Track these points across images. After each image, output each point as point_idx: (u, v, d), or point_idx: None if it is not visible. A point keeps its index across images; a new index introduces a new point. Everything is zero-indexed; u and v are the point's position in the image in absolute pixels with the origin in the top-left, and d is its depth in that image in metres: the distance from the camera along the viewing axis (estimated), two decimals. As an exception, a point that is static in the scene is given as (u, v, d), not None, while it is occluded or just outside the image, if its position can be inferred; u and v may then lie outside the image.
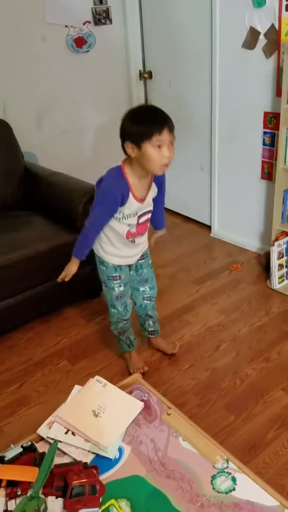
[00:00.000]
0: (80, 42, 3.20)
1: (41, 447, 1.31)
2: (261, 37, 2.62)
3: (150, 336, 2.31)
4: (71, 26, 3.13)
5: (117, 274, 1.99)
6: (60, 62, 3.16)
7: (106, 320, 2.63)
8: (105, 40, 3.30)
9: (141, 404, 1.43)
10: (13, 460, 1.20)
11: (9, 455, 1.23)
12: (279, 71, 2.59)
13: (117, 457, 1.30)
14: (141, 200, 1.81)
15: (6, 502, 1.11)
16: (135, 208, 1.81)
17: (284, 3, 2.44)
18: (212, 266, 3.04)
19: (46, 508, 1.04)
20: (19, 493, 1.12)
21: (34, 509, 0.97)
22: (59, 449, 1.30)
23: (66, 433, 1.35)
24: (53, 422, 1.37)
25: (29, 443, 1.27)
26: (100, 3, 3.22)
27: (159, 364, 2.24)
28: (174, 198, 3.78)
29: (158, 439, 1.36)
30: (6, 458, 1.22)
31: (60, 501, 1.10)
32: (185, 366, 2.21)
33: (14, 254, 2.34)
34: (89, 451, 1.30)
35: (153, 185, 1.86)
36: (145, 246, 2.05)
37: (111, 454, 1.30)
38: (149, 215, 1.91)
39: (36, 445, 1.28)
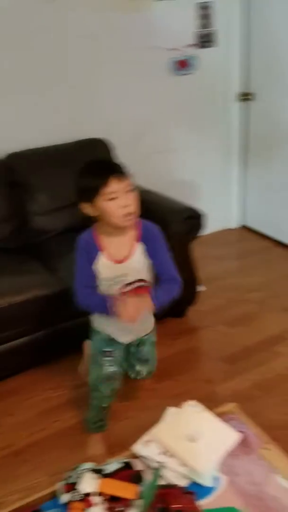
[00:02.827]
0: (182, 64, 3.27)
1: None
2: None
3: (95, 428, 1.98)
4: (175, 49, 3.21)
5: (110, 350, 1.76)
6: (161, 84, 3.24)
7: (191, 341, 2.62)
8: (207, 62, 3.34)
9: (238, 435, 1.39)
10: (113, 474, 1.22)
11: (108, 468, 1.25)
12: None
13: (212, 485, 1.28)
14: (120, 261, 1.63)
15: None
16: (113, 269, 1.62)
17: None
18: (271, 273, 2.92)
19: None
20: (118, 509, 1.13)
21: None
22: (152, 469, 1.31)
23: (160, 454, 1.36)
24: (149, 441, 1.38)
25: (127, 459, 1.29)
26: (204, 28, 3.28)
27: (250, 395, 2.18)
28: (265, 221, 3.72)
29: (256, 473, 1.32)
30: (104, 472, 1.24)
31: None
32: (277, 399, 2.13)
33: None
34: (184, 476, 1.29)
35: (138, 245, 1.64)
36: (148, 324, 1.84)
37: (207, 481, 1.28)
38: (140, 284, 1.65)
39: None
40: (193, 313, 2.77)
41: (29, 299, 2.27)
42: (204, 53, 3.32)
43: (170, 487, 1.19)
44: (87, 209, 1.58)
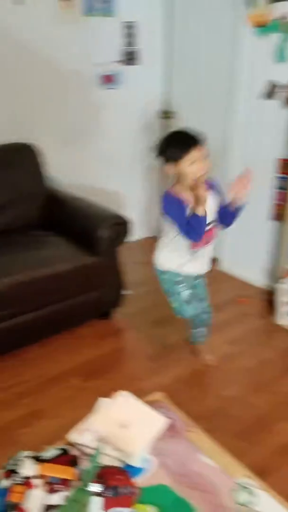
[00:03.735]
0: (108, 79, 3.41)
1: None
2: (281, 89, 2.83)
3: (197, 341, 2.51)
4: (101, 64, 3.35)
5: (180, 279, 2.19)
6: (88, 95, 3.36)
7: (119, 341, 2.74)
8: (131, 79, 3.51)
9: (165, 420, 1.52)
10: (51, 460, 1.29)
11: (46, 455, 1.32)
12: (296, 122, 2.79)
13: (143, 467, 1.39)
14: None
15: (46, 496, 1.19)
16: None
17: (305, 61, 2.67)
18: (219, 298, 3.15)
19: (89, 502, 1.13)
20: (57, 488, 1.20)
21: (85, 499, 1.06)
22: (87, 455, 1.39)
23: (94, 441, 1.44)
24: (84, 430, 1.46)
25: (64, 446, 1.36)
26: (128, 46, 3.45)
27: (172, 389, 2.32)
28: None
29: (182, 454, 1.45)
30: (42, 457, 1.31)
31: (97, 498, 1.18)
32: (195, 392, 2.30)
33: (35, 272, 2.45)
34: (118, 459, 1.39)
35: (211, 193, 2.06)
36: (209, 264, 2.26)
37: (138, 462, 1.39)
38: (212, 228, 2.10)
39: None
40: (120, 315, 2.89)
41: None
42: (128, 70, 3.49)
43: (107, 467, 1.28)
44: (171, 169, 1.98)
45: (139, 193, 3.96)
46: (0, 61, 2.92)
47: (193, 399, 2.25)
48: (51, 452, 1.34)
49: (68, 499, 1.13)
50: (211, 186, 2.09)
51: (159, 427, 1.50)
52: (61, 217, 2.90)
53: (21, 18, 2.88)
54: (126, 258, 2.87)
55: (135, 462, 1.38)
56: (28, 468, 1.23)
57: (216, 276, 3.46)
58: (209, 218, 2.03)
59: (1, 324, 2.40)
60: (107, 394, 1.60)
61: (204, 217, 1.96)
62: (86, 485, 1.15)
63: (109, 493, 1.19)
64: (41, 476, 1.22)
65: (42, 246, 2.69)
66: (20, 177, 2.91)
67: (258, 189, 3.10)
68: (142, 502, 1.26)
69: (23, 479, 1.20)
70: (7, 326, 2.42)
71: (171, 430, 1.52)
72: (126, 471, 1.28)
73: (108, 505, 1.17)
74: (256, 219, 3.19)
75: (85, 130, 3.44)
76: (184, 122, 3.66)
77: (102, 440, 1.42)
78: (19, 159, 2.95)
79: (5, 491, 1.21)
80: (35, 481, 1.20)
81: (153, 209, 4.05)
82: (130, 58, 3.48)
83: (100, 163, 3.59)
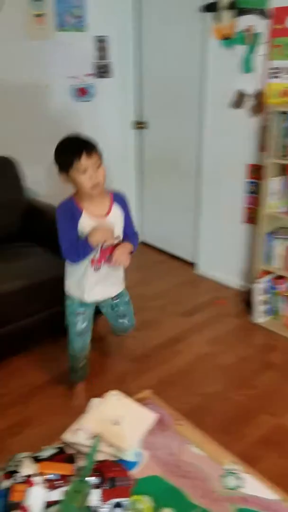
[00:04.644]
0: (82, 92, 3.50)
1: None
2: (248, 98, 2.97)
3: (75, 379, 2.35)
4: (75, 77, 3.43)
5: (82, 310, 2.11)
6: (63, 108, 3.44)
7: (103, 346, 2.80)
8: (104, 91, 3.62)
9: (155, 415, 1.60)
10: (49, 458, 1.35)
11: (44, 454, 1.38)
12: (263, 129, 2.93)
13: (136, 460, 1.47)
14: (100, 217, 1.92)
15: (47, 493, 1.25)
16: (95, 224, 1.89)
17: (269, 71, 2.81)
18: (197, 300, 3.27)
19: (89, 492, 1.20)
20: (57, 484, 1.26)
21: (85, 490, 1.13)
22: (82, 453, 1.46)
23: (88, 439, 1.51)
24: (77, 430, 1.53)
25: (60, 445, 1.43)
26: (101, 59, 3.55)
27: (158, 389, 2.40)
28: (160, 237, 4.06)
29: (172, 446, 1.53)
30: (40, 457, 1.37)
31: (95, 490, 1.25)
32: (179, 391, 2.39)
33: (15, 282, 2.49)
34: (111, 455, 1.46)
35: (115, 204, 1.98)
36: (118, 286, 2.16)
37: (132, 457, 1.46)
38: (116, 242, 1.96)
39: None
40: (102, 321, 2.94)
41: None
42: (101, 82, 3.59)
43: (103, 461, 1.35)
44: (64, 179, 1.88)
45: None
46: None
47: (177, 397, 2.33)
48: (48, 451, 1.39)
49: (69, 490, 1.19)
50: (116, 198, 2.00)
51: (149, 422, 1.57)
52: (41, 228, 2.95)
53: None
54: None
55: (129, 457, 1.46)
56: (27, 467, 1.29)
57: (192, 279, 3.58)
58: (114, 234, 1.93)
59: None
60: (94, 397, 1.65)
61: (93, 248, 1.88)
62: (84, 478, 1.22)
63: (107, 485, 1.26)
64: (41, 474, 1.28)
65: (24, 256, 2.74)
66: (-1, 188, 2.96)
67: (230, 193, 3.26)
68: (137, 493, 1.34)
69: (23, 478, 1.26)
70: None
71: (160, 424, 1.60)
72: (122, 464, 1.35)
73: (106, 496, 1.23)
74: (229, 223, 3.33)
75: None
76: (156, 131, 3.79)
77: (96, 436, 1.49)
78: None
79: (6, 492, 1.26)
80: (35, 479, 1.26)
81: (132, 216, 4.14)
82: (102, 71, 3.58)
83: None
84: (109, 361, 2.65)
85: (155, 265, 3.85)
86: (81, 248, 1.89)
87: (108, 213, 1.96)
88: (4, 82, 3.09)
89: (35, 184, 3.30)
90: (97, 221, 1.91)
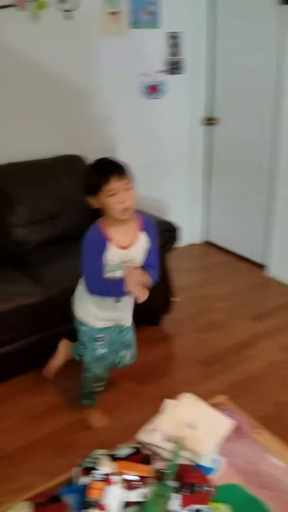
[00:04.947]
0: (153, 89, 3.48)
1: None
2: None
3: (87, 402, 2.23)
4: (146, 74, 3.42)
5: (101, 335, 1.98)
6: (133, 105, 3.43)
7: (168, 347, 2.76)
8: (175, 88, 3.57)
9: (232, 421, 1.54)
10: (126, 458, 1.32)
11: (120, 453, 1.35)
12: None
13: (213, 467, 1.41)
14: (125, 247, 1.81)
15: (125, 493, 1.23)
16: (120, 255, 1.80)
17: None
18: (268, 304, 3.15)
19: (170, 497, 1.16)
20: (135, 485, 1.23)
21: (167, 494, 1.09)
22: (157, 454, 1.42)
23: (163, 441, 1.47)
24: (152, 430, 1.49)
25: (137, 445, 1.40)
26: (173, 55, 3.51)
27: (226, 395, 2.32)
28: (226, 236, 3.96)
29: (250, 454, 1.46)
30: (117, 456, 1.35)
31: (175, 495, 1.21)
32: (251, 398, 2.30)
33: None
34: (187, 459, 1.41)
35: (141, 234, 1.85)
36: (130, 311, 2.05)
37: (208, 462, 1.41)
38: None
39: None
40: (168, 321, 2.91)
41: (14, 307, 2.34)
42: (172, 79, 3.55)
43: (182, 465, 1.30)
44: (93, 202, 1.78)
45: (184, 199, 3.99)
46: (51, 77, 3.02)
47: (249, 404, 2.22)
48: (124, 450, 1.37)
49: (152, 493, 1.16)
50: (144, 224, 1.86)
51: (226, 428, 1.51)
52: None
53: (71, 32, 2.98)
54: (172, 264, 2.90)
55: (205, 462, 1.41)
56: (106, 465, 1.27)
57: (262, 281, 3.46)
58: (136, 263, 1.83)
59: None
60: (160, 398, 1.60)
61: (124, 292, 1.76)
62: (167, 481, 1.18)
63: (186, 491, 1.21)
64: (119, 473, 1.25)
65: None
66: (70, 187, 2.98)
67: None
68: (216, 500, 1.28)
69: (102, 476, 1.24)
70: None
71: (238, 432, 1.53)
72: (201, 469, 1.30)
73: (185, 502, 1.19)
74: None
75: (131, 141, 3.50)
76: (227, 128, 3.70)
77: (174, 439, 1.45)
78: (69, 170, 3.02)
79: (83, 488, 1.25)
80: (114, 478, 1.24)
81: (198, 215, 4.09)
82: (174, 67, 3.54)
83: (146, 170, 3.64)
84: (176, 362, 2.61)
85: (221, 265, 3.76)
86: (112, 286, 1.80)
87: (134, 241, 1.83)
88: (76, 81, 3.12)
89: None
90: (120, 252, 1.80)
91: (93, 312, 1.93)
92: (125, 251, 1.81)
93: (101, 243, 1.78)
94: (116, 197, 1.71)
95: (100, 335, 1.98)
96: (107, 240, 1.78)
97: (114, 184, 1.70)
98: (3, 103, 2.91)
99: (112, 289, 1.82)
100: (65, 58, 3.02)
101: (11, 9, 2.74)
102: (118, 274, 1.81)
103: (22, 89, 2.95)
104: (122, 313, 2.00)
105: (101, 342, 1.99)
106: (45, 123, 3.09)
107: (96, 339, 1.98)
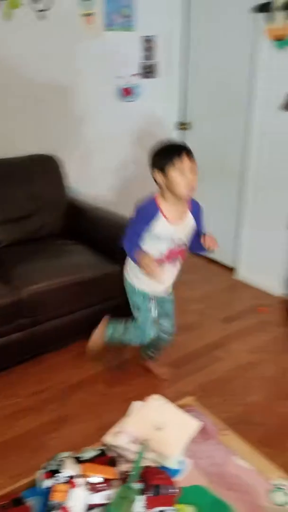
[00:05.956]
0: (127, 92, 3.48)
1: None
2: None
3: (148, 357, 2.48)
4: (121, 77, 3.42)
5: (152, 298, 2.16)
6: (107, 108, 3.43)
7: (139, 349, 2.75)
8: (149, 91, 3.58)
9: (198, 423, 1.54)
10: (91, 460, 1.31)
11: (85, 456, 1.34)
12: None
13: (179, 468, 1.41)
14: (175, 223, 1.97)
15: (89, 495, 1.21)
16: (168, 229, 1.96)
17: None
18: (238, 306, 3.19)
19: (135, 499, 1.15)
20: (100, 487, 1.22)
21: (131, 497, 1.09)
22: (122, 456, 1.42)
23: (129, 443, 1.46)
24: (119, 432, 1.49)
25: (102, 448, 1.39)
26: (147, 59, 3.52)
27: (195, 395, 2.34)
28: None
29: (216, 456, 1.47)
30: (82, 458, 1.33)
31: (139, 497, 1.20)
32: (219, 399, 2.32)
33: (62, 279, 2.49)
34: (153, 461, 1.41)
35: (189, 214, 2.03)
36: (170, 284, 2.20)
37: (174, 464, 1.41)
38: (182, 248, 2.07)
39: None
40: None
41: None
42: (146, 82, 3.56)
43: (147, 467, 1.30)
44: (159, 177, 1.90)
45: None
46: (24, 76, 2.99)
47: (217, 405, 2.25)
48: (89, 452, 1.36)
49: (116, 496, 1.15)
50: (193, 208, 2.05)
51: (193, 430, 1.52)
52: (84, 226, 2.95)
53: (45, 32, 2.96)
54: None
55: (172, 464, 1.41)
56: (70, 468, 1.25)
57: (232, 284, 3.50)
58: (182, 240, 2.03)
59: (25, 331, 2.43)
60: (130, 400, 1.61)
61: (136, 260, 1.96)
62: (131, 483, 1.17)
63: (151, 493, 1.21)
64: (83, 476, 1.24)
65: (67, 254, 2.73)
66: (43, 187, 2.97)
67: (278, 197, 3.16)
68: (181, 502, 1.28)
69: (66, 479, 1.22)
70: (31, 333, 2.46)
71: (204, 433, 1.54)
72: (166, 471, 1.30)
73: (150, 504, 1.19)
74: (274, 228, 3.23)
75: (106, 142, 3.50)
76: (200, 133, 3.73)
77: (140, 441, 1.44)
78: (42, 170, 3.00)
79: (47, 491, 1.23)
80: (78, 480, 1.23)
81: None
82: (148, 71, 3.55)
83: (120, 172, 3.64)
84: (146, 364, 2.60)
85: (193, 268, 3.76)
86: (136, 248, 1.97)
87: (183, 219, 2.01)
88: (50, 81, 3.10)
89: (77, 183, 3.30)
90: (170, 226, 1.96)
91: (144, 279, 2.06)
92: (174, 227, 1.97)
93: (152, 214, 1.93)
94: (185, 175, 1.85)
95: (152, 297, 2.15)
96: (160, 211, 1.93)
97: (186, 162, 1.85)
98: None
99: (135, 251, 1.97)
100: (38, 58, 3.00)
101: (-17, 7, 2.71)
102: (163, 246, 1.99)
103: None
104: (163, 285, 2.14)
105: (153, 304, 2.16)
106: (17, 123, 3.05)
107: (150, 300, 2.14)
